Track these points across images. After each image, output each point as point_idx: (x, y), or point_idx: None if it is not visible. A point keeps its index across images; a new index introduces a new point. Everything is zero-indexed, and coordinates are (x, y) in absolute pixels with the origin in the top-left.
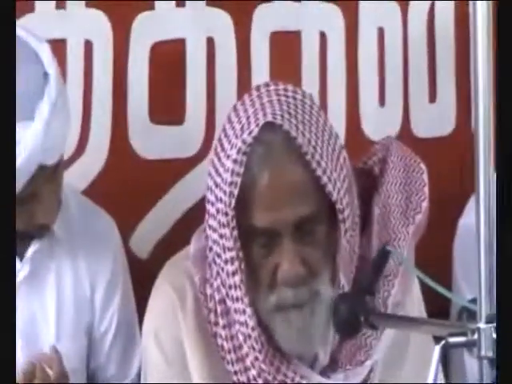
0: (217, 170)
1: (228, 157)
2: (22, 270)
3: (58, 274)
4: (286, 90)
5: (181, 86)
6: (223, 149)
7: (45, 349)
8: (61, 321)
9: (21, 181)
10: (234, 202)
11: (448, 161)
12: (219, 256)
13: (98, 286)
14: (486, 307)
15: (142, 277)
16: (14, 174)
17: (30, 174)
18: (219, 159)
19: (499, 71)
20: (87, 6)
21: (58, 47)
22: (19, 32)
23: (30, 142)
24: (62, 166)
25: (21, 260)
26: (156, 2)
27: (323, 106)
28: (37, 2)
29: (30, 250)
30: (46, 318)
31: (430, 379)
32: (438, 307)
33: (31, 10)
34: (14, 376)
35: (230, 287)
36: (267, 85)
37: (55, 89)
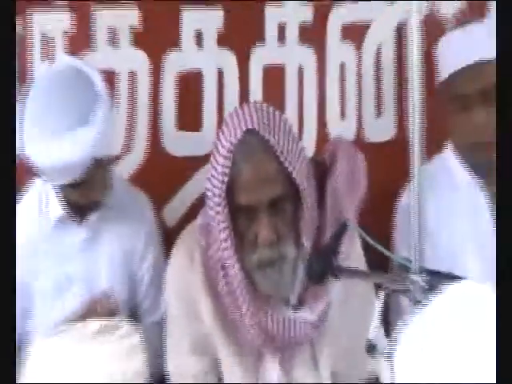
0: (213, 165)
1: (220, 154)
2: (81, 233)
3: (108, 235)
4: (261, 106)
5: (198, 104)
6: (217, 148)
7: (99, 289)
8: (111, 270)
9: (81, 169)
10: (224, 187)
11: (390, 159)
12: (215, 227)
13: (137, 245)
14: (416, 264)
15: (170, 239)
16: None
17: (87, 164)
18: (214, 156)
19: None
20: (132, 45)
21: (110, 75)
22: (79, 63)
23: (87, 142)
24: (110, 159)
25: (81, 226)
26: (183, 44)
27: (300, 117)
28: (98, 45)
29: (88, 219)
30: (100, 268)
31: (375, 316)
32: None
33: (91, 47)
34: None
35: (223, 249)
36: (248, 103)
37: (105, 103)
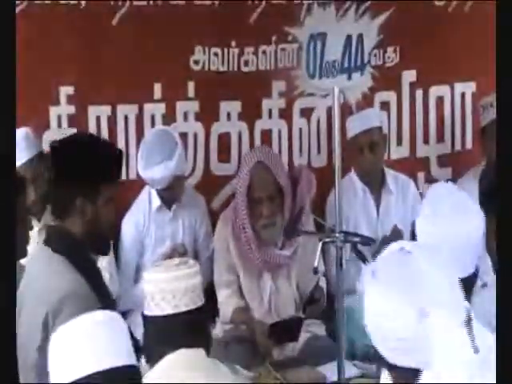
0: (239, 176)
1: (243, 171)
2: (169, 214)
3: (182, 216)
4: (265, 149)
5: (228, 147)
6: (242, 169)
7: (178, 242)
8: (184, 233)
9: (169, 181)
10: (246, 189)
11: (324, 176)
12: (240, 208)
13: (197, 221)
14: (338, 228)
15: (215, 217)
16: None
17: (171, 179)
18: (241, 172)
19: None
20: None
21: (184, 136)
22: (168, 129)
23: (171, 167)
24: (183, 176)
25: (170, 211)
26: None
27: (280, 153)
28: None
29: (172, 208)
30: (180, 232)
31: (317, 254)
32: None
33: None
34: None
35: (243, 219)
36: (257, 147)
37: (180, 149)
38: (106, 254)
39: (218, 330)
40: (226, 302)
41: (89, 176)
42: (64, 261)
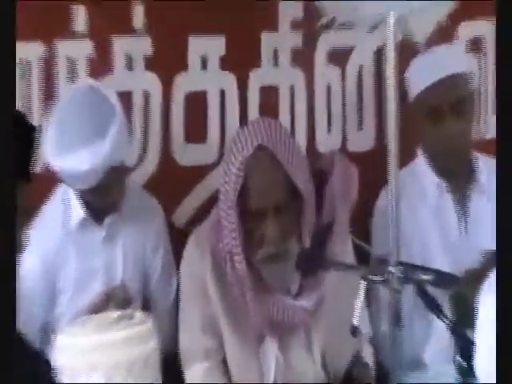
0: (226, 173)
1: (234, 165)
2: (100, 232)
3: (123, 234)
4: (269, 123)
5: (204, 119)
6: (230, 160)
7: (116, 282)
8: (126, 264)
9: (99, 176)
10: (237, 194)
11: (370, 165)
12: (226, 226)
13: (149, 243)
14: (393, 258)
15: (179, 238)
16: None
17: (104, 172)
18: (228, 166)
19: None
20: (147, 69)
21: (126, 96)
22: (96, 85)
23: (104, 152)
24: (125, 167)
25: (101, 227)
26: (189, 66)
27: (292, 132)
28: (116, 69)
29: (106, 221)
30: (116, 263)
31: (359, 304)
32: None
33: (110, 72)
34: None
35: (233, 246)
36: (258, 120)
37: (119, 119)
38: None
39: None
40: None
41: None
42: None
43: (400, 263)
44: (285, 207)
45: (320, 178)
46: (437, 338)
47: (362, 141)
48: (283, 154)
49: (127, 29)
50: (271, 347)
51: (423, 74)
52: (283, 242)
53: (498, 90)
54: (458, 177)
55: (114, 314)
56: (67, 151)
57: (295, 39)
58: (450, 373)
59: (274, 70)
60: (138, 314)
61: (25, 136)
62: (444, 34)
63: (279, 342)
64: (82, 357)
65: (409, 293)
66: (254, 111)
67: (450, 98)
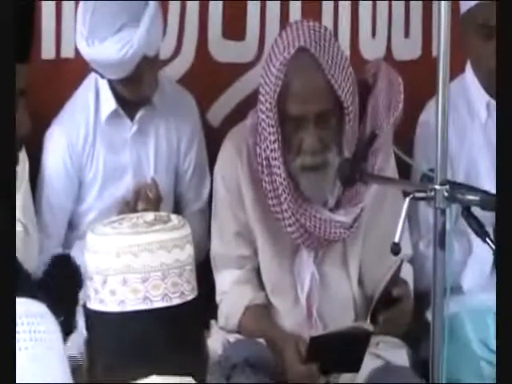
0: (266, 74)
1: (274, 66)
2: (132, 127)
3: (156, 130)
4: (313, 25)
5: (243, 15)
6: (271, 60)
7: (147, 179)
8: (158, 161)
9: (131, 66)
10: (276, 96)
11: (416, 76)
12: (265, 129)
13: (183, 139)
14: (440, 175)
15: (214, 138)
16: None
17: (136, 62)
18: (268, 67)
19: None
20: None
21: None
22: None
23: (137, 39)
24: (158, 58)
25: (132, 121)
26: None
27: (335, 37)
28: None
29: (138, 114)
30: (148, 160)
31: (401, 221)
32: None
33: None
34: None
35: (271, 150)
36: (301, 21)
37: (153, 6)
38: None
39: (216, 344)
40: (233, 293)
41: None
42: None
43: (446, 181)
44: (326, 116)
45: (364, 87)
46: (476, 265)
47: (408, 49)
48: (325, 58)
49: None
50: (306, 260)
51: None
52: (322, 152)
53: (498, 90)
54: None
55: (151, 215)
56: (99, 38)
57: None
58: (493, 302)
59: None
60: (175, 218)
61: (19, 13)
62: None
63: (315, 255)
64: (117, 258)
65: (454, 214)
66: (295, 12)
67: None
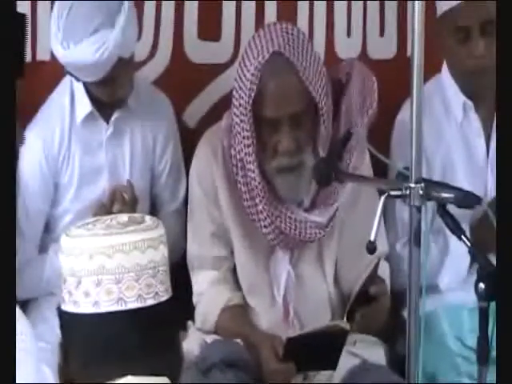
0: (240, 78)
1: (248, 71)
2: (108, 129)
3: (131, 131)
4: (286, 27)
5: (218, 15)
6: (245, 65)
7: (123, 181)
8: (133, 162)
9: (106, 68)
10: (251, 100)
11: (391, 75)
12: (239, 133)
13: (158, 140)
14: (415, 173)
15: (190, 139)
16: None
17: (112, 63)
18: (242, 71)
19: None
20: None
21: None
22: None
23: (112, 41)
24: (133, 59)
25: (107, 123)
26: None
27: (310, 36)
28: None
29: (113, 116)
30: (123, 161)
31: (376, 219)
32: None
33: None
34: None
35: (246, 154)
36: (274, 24)
37: (128, 8)
38: None
39: (194, 345)
40: (210, 294)
41: None
42: None
43: (422, 179)
44: (300, 118)
45: (338, 86)
46: (453, 262)
47: (383, 47)
48: (300, 61)
49: None
50: (282, 259)
51: None
52: (297, 153)
53: (499, 90)
54: (485, 99)
55: (124, 216)
56: (72, 42)
57: None
58: (469, 299)
59: None
60: (149, 219)
61: (15, 27)
62: None
63: (290, 254)
64: (90, 259)
65: (430, 212)
66: (271, 13)
67: (479, 18)
